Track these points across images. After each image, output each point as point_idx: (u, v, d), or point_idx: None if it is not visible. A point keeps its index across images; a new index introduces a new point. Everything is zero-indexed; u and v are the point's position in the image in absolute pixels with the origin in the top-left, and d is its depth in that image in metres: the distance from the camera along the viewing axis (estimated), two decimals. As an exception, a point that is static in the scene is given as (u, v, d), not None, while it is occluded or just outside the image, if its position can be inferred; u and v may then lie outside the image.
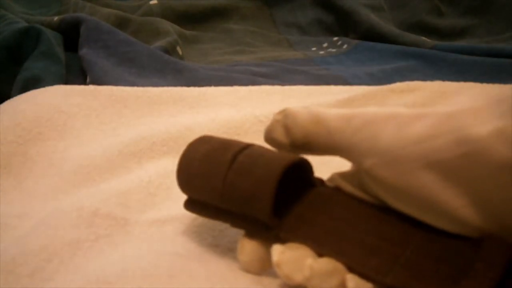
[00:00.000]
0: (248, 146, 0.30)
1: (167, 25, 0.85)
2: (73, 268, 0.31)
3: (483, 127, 0.24)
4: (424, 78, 0.61)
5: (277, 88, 0.58)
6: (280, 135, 0.30)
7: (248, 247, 0.29)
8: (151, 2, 0.95)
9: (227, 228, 0.35)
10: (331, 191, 0.30)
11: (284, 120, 0.30)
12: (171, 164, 0.43)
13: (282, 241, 0.28)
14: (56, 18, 0.77)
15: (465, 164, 0.24)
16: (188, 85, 0.57)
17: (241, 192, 0.28)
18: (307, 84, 0.61)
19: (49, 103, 0.48)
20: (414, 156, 0.25)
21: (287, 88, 0.58)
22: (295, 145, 0.30)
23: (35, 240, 0.32)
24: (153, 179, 0.41)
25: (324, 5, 0.99)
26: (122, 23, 0.85)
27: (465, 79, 0.62)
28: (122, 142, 0.45)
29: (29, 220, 0.36)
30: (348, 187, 0.30)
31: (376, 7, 0.97)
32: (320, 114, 0.29)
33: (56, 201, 0.38)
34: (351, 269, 0.26)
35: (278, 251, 0.27)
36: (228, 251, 0.32)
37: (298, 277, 0.27)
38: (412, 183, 0.25)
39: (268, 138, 0.31)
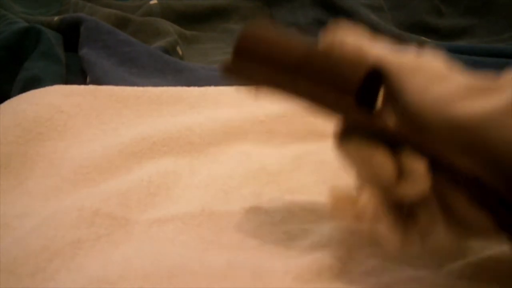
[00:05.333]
0: None
1: (167, 25, 0.85)
2: (74, 268, 0.31)
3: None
4: (424, 78, 0.61)
5: (277, 88, 0.58)
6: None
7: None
8: (151, 2, 0.95)
9: (227, 226, 0.35)
10: None
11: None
12: (171, 164, 0.43)
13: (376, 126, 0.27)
14: (56, 18, 0.77)
15: None
16: (188, 85, 0.57)
17: (331, 54, 0.28)
18: (307, 84, 0.61)
19: (49, 103, 0.48)
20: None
21: (287, 88, 0.58)
22: None
23: (36, 240, 0.32)
24: (153, 179, 0.41)
25: (324, 5, 0.99)
26: (122, 23, 0.85)
27: (465, 79, 0.61)
28: (122, 142, 0.45)
29: (30, 220, 0.36)
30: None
31: (376, 7, 0.97)
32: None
33: (57, 201, 0.38)
34: None
35: None
36: (228, 250, 0.32)
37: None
38: None
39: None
